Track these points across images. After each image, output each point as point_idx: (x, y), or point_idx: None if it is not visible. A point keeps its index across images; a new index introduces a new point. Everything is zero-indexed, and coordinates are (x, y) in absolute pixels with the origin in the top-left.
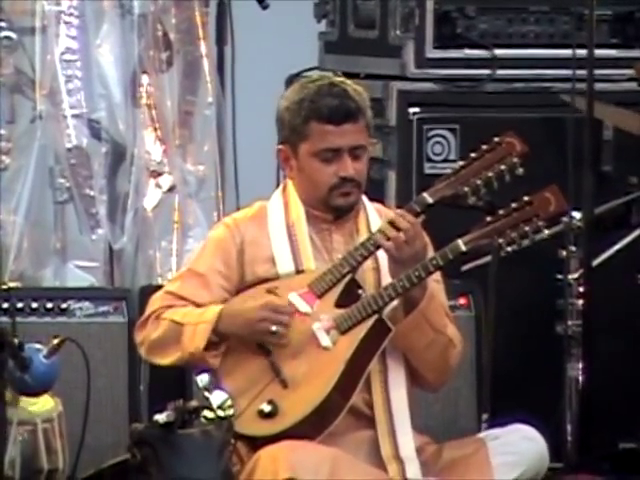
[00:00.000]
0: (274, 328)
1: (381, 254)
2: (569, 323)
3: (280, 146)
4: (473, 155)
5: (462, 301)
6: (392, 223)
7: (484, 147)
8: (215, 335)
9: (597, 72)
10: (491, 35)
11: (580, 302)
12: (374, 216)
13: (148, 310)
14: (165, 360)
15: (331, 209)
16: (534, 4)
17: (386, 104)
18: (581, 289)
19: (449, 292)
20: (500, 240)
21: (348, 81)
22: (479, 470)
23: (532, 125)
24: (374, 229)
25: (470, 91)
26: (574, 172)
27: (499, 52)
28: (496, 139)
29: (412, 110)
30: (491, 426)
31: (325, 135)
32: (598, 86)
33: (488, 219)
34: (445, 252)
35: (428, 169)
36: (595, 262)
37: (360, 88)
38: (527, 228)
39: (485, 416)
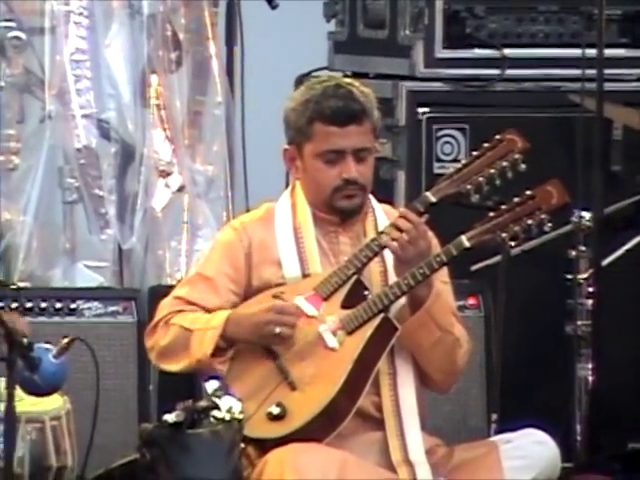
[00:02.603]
0: (278, 330)
1: (388, 256)
2: (579, 323)
3: (286, 146)
4: (475, 153)
5: (472, 301)
6: (396, 224)
7: (486, 145)
8: (223, 341)
9: (606, 72)
10: (500, 35)
11: (590, 302)
12: (382, 217)
13: (158, 316)
14: (174, 366)
15: (335, 211)
16: (543, 4)
17: (395, 104)
18: (591, 289)
19: (459, 292)
20: (503, 235)
21: (356, 83)
22: (490, 472)
23: (541, 125)
24: None
25: (479, 91)
26: (583, 172)
27: (508, 52)
28: (497, 136)
29: (421, 110)
30: (500, 426)
31: (328, 136)
32: (607, 86)
33: (491, 214)
34: (449, 249)
35: (437, 169)
36: (605, 262)
37: (367, 90)
38: (530, 222)
39: (494, 416)
